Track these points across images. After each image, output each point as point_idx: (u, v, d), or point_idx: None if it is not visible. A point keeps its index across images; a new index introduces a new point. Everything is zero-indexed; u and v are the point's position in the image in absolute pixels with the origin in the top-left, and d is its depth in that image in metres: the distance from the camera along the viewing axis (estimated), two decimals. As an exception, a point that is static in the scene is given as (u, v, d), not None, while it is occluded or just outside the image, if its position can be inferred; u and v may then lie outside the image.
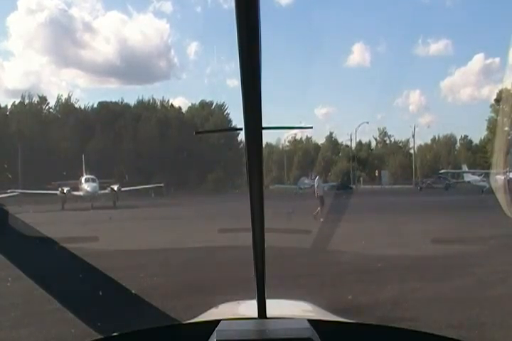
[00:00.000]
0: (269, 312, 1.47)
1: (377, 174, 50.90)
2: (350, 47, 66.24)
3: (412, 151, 53.17)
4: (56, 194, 27.90)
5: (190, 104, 51.67)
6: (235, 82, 45.89)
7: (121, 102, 48.11)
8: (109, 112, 45.46)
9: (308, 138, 57.37)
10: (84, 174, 31.70)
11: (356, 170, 49.61)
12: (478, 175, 34.64)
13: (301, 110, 55.11)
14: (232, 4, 0.64)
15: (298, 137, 57.14)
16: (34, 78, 64.79)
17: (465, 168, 41.01)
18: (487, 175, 27.72)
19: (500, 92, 35.25)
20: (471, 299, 6.23)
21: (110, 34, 61.59)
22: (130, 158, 41.74)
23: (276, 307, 1.71)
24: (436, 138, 55.25)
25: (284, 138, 55.52)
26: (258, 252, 1.24)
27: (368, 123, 50.30)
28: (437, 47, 63.95)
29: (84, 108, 47.26)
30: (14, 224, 2.41)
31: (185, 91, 61.04)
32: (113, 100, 48.21)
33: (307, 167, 51.30)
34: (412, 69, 55.70)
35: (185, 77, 59.20)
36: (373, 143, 56.19)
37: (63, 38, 52.79)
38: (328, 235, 10.46)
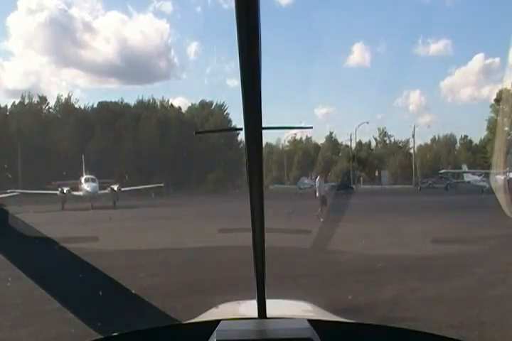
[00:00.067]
0: (269, 312, 1.47)
1: (377, 174, 50.91)
2: (350, 47, 66.37)
3: (412, 151, 53.24)
4: (56, 194, 27.91)
5: (190, 104, 51.76)
6: (235, 82, 45.96)
7: (121, 102, 48.19)
8: (109, 112, 45.47)
9: (308, 138, 57.44)
10: (84, 174, 31.71)
11: (356, 170, 49.61)
12: (478, 175, 34.64)
13: (301, 110, 55.19)
14: (232, 4, 0.64)
15: (298, 137, 57.21)
16: (34, 78, 64.99)
17: (465, 168, 41.00)
18: (487, 175, 27.73)
19: (500, 92, 35.28)
20: (471, 299, 6.23)
21: (110, 34, 61.71)
22: (130, 158, 41.75)
23: (276, 307, 1.71)
24: (436, 138, 55.33)
25: (284, 138, 55.57)
26: (258, 252, 1.24)
27: (368, 123, 50.37)
28: (437, 47, 64.07)
29: (84, 108, 47.35)
30: (14, 224, 2.40)
31: (185, 91, 61.22)
32: (113, 100, 48.31)
33: (307, 167, 51.30)
34: (412, 69, 55.82)
35: (185, 77, 59.31)
36: (373, 143, 56.29)
37: (63, 38, 52.90)
38: (330, 235, 10.47)
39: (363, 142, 54.73)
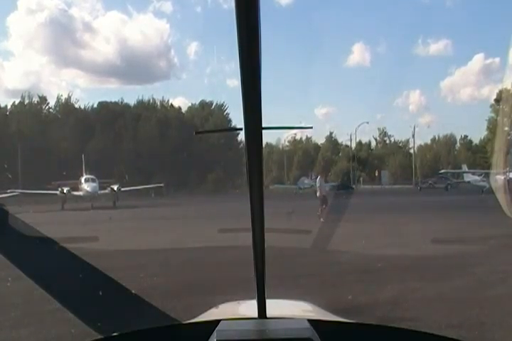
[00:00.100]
0: (269, 312, 1.47)
1: (377, 174, 50.91)
2: (350, 47, 66.31)
3: (412, 151, 53.24)
4: (56, 194, 27.91)
5: (190, 104, 51.75)
6: (235, 82, 45.94)
7: (121, 102, 48.17)
8: (109, 112, 45.46)
9: (308, 138, 57.44)
10: (84, 174, 31.70)
11: (356, 170, 49.61)
12: (478, 175, 34.64)
13: (301, 110, 55.22)
14: (232, 4, 0.64)
15: (298, 137, 57.20)
16: (34, 78, 64.94)
17: (465, 168, 41.01)
18: (487, 175, 27.73)
19: (500, 92, 35.28)
20: (471, 299, 6.23)
21: (110, 34, 61.67)
22: (130, 158, 41.75)
23: (276, 307, 1.71)
24: (436, 138, 55.33)
25: (284, 138, 55.56)
26: (258, 252, 1.24)
27: (368, 123, 50.38)
28: (437, 47, 64.06)
29: (84, 108, 47.33)
30: (14, 224, 2.40)
31: (185, 91, 61.20)
32: (113, 100, 48.29)
33: (307, 167, 51.32)
34: (412, 69, 55.79)
35: (185, 77, 59.30)
36: (373, 143, 56.29)
37: (63, 38, 52.87)
38: (331, 235, 10.48)
39: (363, 142, 54.79)
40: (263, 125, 0.85)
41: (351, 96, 62.83)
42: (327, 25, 52.67)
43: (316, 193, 17.56)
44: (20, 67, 55.67)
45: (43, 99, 45.97)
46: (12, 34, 68.10)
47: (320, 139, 56.93)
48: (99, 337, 1.51)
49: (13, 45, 55.89)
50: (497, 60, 49.22)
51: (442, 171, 43.38)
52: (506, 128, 16.24)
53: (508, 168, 16.11)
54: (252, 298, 1.49)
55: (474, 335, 4.77)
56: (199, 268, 8.33)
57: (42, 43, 59.38)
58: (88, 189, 29.22)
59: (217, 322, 1.34)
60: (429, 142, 55.53)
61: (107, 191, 29.42)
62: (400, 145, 55.11)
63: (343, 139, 55.24)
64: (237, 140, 44.02)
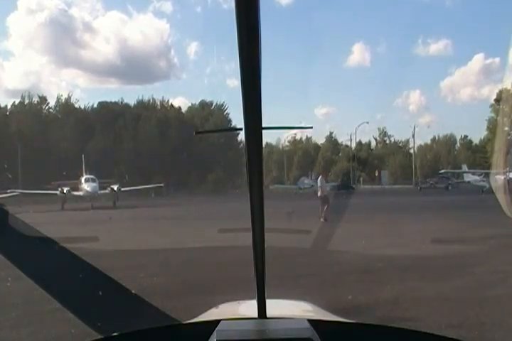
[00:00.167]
0: (269, 312, 1.47)
1: (377, 174, 50.93)
2: (350, 47, 66.49)
3: (412, 151, 53.28)
4: (56, 194, 27.92)
5: (190, 104, 51.83)
6: (235, 82, 46.01)
7: (121, 102, 48.22)
8: (109, 112, 45.48)
9: (308, 138, 57.50)
10: (84, 174, 31.71)
11: (356, 170, 49.63)
12: (478, 175, 34.65)
13: (301, 110, 55.29)
14: (232, 4, 0.64)
15: (298, 137, 57.27)
16: (34, 78, 65.15)
17: (465, 168, 41.03)
18: (487, 175, 27.74)
19: (500, 92, 35.31)
20: (471, 299, 6.23)
21: (110, 34, 61.79)
22: (130, 158, 41.77)
23: (276, 307, 1.71)
24: (436, 138, 55.40)
25: (284, 138, 55.61)
26: (258, 252, 1.24)
27: (368, 123, 50.48)
28: (437, 47, 64.33)
29: (84, 108, 47.38)
30: (14, 224, 2.40)
31: (185, 91, 61.37)
32: (113, 100, 48.36)
33: (307, 167, 51.38)
34: (412, 69, 55.95)
35: (185, 77, 59.37)
36: (373, 143, 56.35)
37: (63, 38, 53.00)
38: (331, 235, 10.48)
39: (363, 142, 54.88)
40: (263, 125, 0.85)
41: (351, 96, 63.01)
42: (327, 25, 52.85)
43: (316, 193, 17.48)
44: (20, 67, 55.82)
45: (43, 99, 46.06)
46: (12, 34, 68.35)
47: (320, 139, 57.07)
48: (99, 337, 1.51)
49: (13, 45, 56.15)
50: (497, 60, 49.36)
51: (442, 171, 43.40)
52: (506, 128, 16.25)
53: (508, 168, 16.10)
54: (252, 298, 1.49)
55: (474, 335, 4.77)
56: (199, 268, 8.32)
57: (42, 43, 59.61)
58: (88, 189, 29.22)
59: (217, 322, 1.34)
60: (429, 142, 55.69)
61: (107, 191, 29.43)
62: (400, 145, 55.19)
63: (343, 139, 55.37)
64: (237, 140, 44.09)
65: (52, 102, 46.52)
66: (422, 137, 75.37)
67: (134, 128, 44.50)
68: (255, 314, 1.47)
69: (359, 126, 50.02)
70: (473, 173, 37.19)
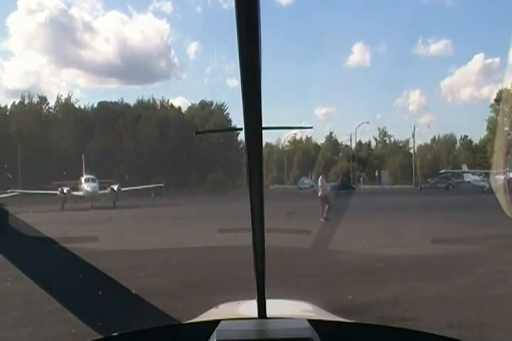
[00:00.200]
0: (269, 312, 1.47)
1: (377, 174, 50.93)
2: (350, 47, 66.52)
3: (412, 151, 53.28)
4: (56, 194, 27.92)
5: (190, 104, 51.85)
6: (235, 82, 46.03)
7: (121, 102, 48.24)
8: (109, 112, 45.48)
9: (308, 138, 57.51)
10: (84, 174, 31.72)
11: (356, 170, 49.64)
12: (478, 175, 34.66)
13: (301, 110, 55.31)
14: (232, 4, 0.64)
15: (298, 137, 57.28)
16: (34, 78, 65.18)
17: (465, 167, 41.04)
18: (487, 175, 27.75)
19: (500, 92, 35.33)
20: (471, 299, 6.23)
21: (110, 34, 61.82)
22: (130, 158, 41.77)
23: (276, 307, 1.71)
24: (436, 138, 55.40)
25: (284, 138, 55.62)
26: (258, 252, 1.24)
27: (368, 123, 50.51)
28: (437, 47, 64.36)
29: (84, 108, 47.41)
30: (14, 224, 2.40)
31: (185, 91, 61.40)
32: (113, 100, 48.37)
33: (307, 167, 51.39)
34: (412, 69, 56.00)
35: (185, 77, 59.39)
36: (373, 143, 56.35)
37: (63, 38, 53.02)
38: (331, 235, 10.48)
39: (363, 142, 54.90)
40: (263, 125, 0.85)
41: (351, 96, 63.05)
42: (327, 25, 52.87)
43: (316, 193, 17.44)
44: (20, 67, 55.84)
45: (43, 99, 46.07)
46: (12, 34, 68.38)
47: (320, 139, 57.09)
48: (99, 337, 1.51)
49: (13, 45, 56.22)
50: (497, 60, 49.37)
51: (442, 171, 43.41)
52: (506, 128, 16.25)
53: (508, 168, 16.10)
54: (252, 298, 1.48)
55: (474, 335, 4.77)
56: (199, 268, 8.33)
57: (42, 43, 59.64)
58: (88, 189, 29.22)
59: (217, 322, 1.34)
60: (429, 142, 55.69)
61: (107, 191, 29.43)
62: (400, 145, 55.20)
63: (343, 139, 55.38)
64: (237, 140, 44.09)
65: (52, 102, 46.64)
66: (422, 137, 75.51)
67: (134, 128, 44.50)
68: (255, 314, 1.47)
69: (359, 126, 50.09)
70: (473, 173, 37.20)
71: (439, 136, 55.18)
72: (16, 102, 45.17)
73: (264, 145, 0.98)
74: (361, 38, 56.94)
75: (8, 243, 2.24)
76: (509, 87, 23.49)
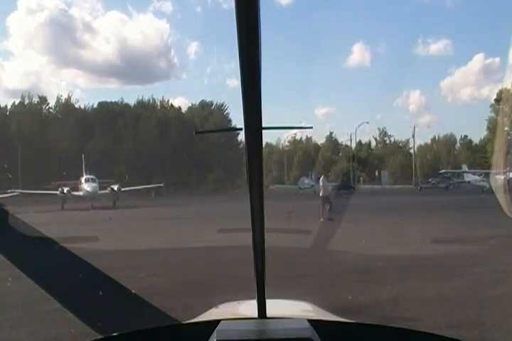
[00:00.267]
0: (269, 312, 1.47)
1: (377, 174, 50.92)
2: (350, 47, 66.46)
3: (412, 151, 53.28)
4: (56, 194, 27.91)
5: (190, 104, 51.83)
6: (235, 82, 46.01)
7: (121, 102, 48.23)
8: (109, 112, 45.49)
9: (308, 138, 57.50)
10: (84, 174, 31.70)
11: (356, 170, 49.63)
12: (478, 175, 34.66)
13: (301, 110, 55.26)
14: (232, 4, 0.64)
15: (298, 137, 57.26)
16: (34, 78, 65.11)
17: (465, 167, 41.03)
18: (487, 175, 27.75)
19: (500, 92, 35.34)
20: (471, 299, 6.23)
21: (110, 34, 61.79)
22: (130, 158, 41.77)
23: (276, 307, 1.71)
24: (436, 138, 55.39)
25: (284, 138, 55.61)
26: (258, 252, 1.24)
27: (368, 123, 50.49)
28: (437, 47, 64.27)
29: (84, 108, 47.39)
30: (14, 224, 2.40)
31: (185, 91, 61.29)
32: (113, 100, 48.35)
33: (307, 167, 51.37)
34: (412, 69, 55.96)
35: (185, 77, 59.35)
36: (373, 143, 56.34)
37: (63, 38, 53.00)
38: (331, 235, 10.48)
39: (363, 142, 54.88)
40: (263, 125, 0.85)
41: (351, 96, 63.02)
42: (327, 25, 52.86)
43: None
44: (20, 67, 55.81)
45: (43, 99, 46.06)
46: (12, 34, 68.33)
47: (320, 139, 57.06)
48: (99, 337, 1.51)
49: (13, 45, 56.15)
50: (497, 60, 49.35)
51: (442, 171, 43.40)
52: (506, 128, 16.25)
53: (508, 168, 16.10)
54: (252, 298, 1.49)
55: (474, 335, 4.77)
56: (199, 268, 8.32)
57: (42, 43, 59.61)
58: (88, 189, 29.22)
59: (217, 322, 1.34)
60: (429, 142, 55.66)
61: (107, 191, 29.43)
62: (400, 145, 55.19)
63: (343, 139, 55.36)
64: (237, 140, 44.08)
65: (52, 102, 46.61)
66: (422, 137, 75.44)
67: (134, 128, 44.50)
68: (255, 314, 1.47)
69: (359, 126, 50.07)
70: (474, 173, 37.20)
71: (439, 136, 55.24)
72: (16, 102, 45.25)
73: (264, 145, 0.98)
74: (361, 38, 56.99)
75: (8, 243, 2.24)
76: (509, 87, 23.54)
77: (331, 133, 55.55)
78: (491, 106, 42.88)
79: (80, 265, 2.26)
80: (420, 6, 45.19)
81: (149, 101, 49.26)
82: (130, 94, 70.26)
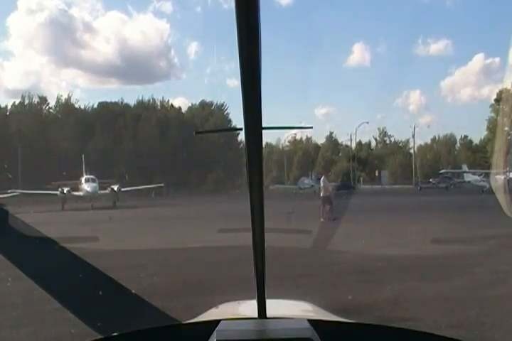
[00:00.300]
0: (269, 312, 1.47)
1: (377, 174, 50.90)
2: (350, 47, 66.28)
3: (412, 151, 53.26)
4: (56, 194, 27.90)
5: (190, 104, 51.78)
6: (235, 82, 45.96)
7: (121, 102, 48.18)
8: (109, 112, 45.47)
9: (308, 138, 57.45)
10: (84, 174, 31.69)
11: (356, 170, 49.63)
12: (478, 175, 34.66)
13: (301, 110, 55.18)
14: (232, 4, 0.64)
15: (298, 137, 57.21)
16: (34, 78, 64.99)
17: (465, 167, 41.02)
18: (487, 175, 27.75)
19: (500, 92, 35.34)
20: (471, 299, 6.23)
21: (110, 34, 61.70)
22: (130, 158, 41.76)
23: (276, 307, 1.71)
24: (436, 138, 55.35)
25: (284, 138, 55.57)
26: (258, 252, 1.24)
27: (368, 123, 50.42)
28: (437, 47, 64.10)
29: (85, 108, 47.36)
30: (14, 224, 2.40)
31: (185, 91, 61.12)
32: (113, 100, 48.29)
33: (307, 167, 51.33)
34: (412, 69, 55.86)
35: (185, 77, 59.25)
36: (373, 143, 56.31)
37: (63, 38, 52.94)
38: (331, 235, 10.48)
39: (363, 142, 54.82)
40: (263, 125, 0.85)
41: (351, 96, 62.87)
42: (327, 25, 52.79)
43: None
44: (20, 67, 55.73)
45: (43, 100, 46.03)
46: (12, 34, 68.19)
47: (320, 139, 57.00)
48: (99, 337, 1.52)
49: (13, 45, 55.99)
50: (497, 60, 49.28)
51: (442, 171, 43.39)
52: (506, 128, 16.26)
53: (508, 168, 16.10)
54: (252, 298, 1.49)
55: (474, 335, 4.77)
56: (199, 268, 8.33)
57: (42, 43, 59.51)
58: (88, 189, 29.21)
59: (217, 322, 1.34)
60: (429, 142, 55.60)
61: (107, 191, 29.41)
62: (400, 145, 55.15)
63: (343, 139, 55.29)
64: (237, 140, 44.06)
65: (52, 102, 46.57)
66: (422, 137, 75.29)
67: (134, 129, 44.49)
68: (255, 314, 1.47)
69: (359, 126, 50.01)
70: (474, 173, 37.20)
71: (439, 136, 55.18)
72: (16, 102, 45.21)
73: (264, 145, 0.98)
74: (361, 38, 56.89)
75: (8, 243, 2.24)
76: (509, 87, 23.54)
77: (331, 133, 55.58)
78: (491, 106, 42.92)
79: (80, 265, 2.26)
80: (420, 6, 45.16)
81: (149, 101, 49.30)
82: (130, 94, 70.18)
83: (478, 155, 45.62)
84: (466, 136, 53.54)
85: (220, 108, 50.38)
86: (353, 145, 52.27)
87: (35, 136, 40.96)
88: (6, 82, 58.83)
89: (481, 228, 12.34)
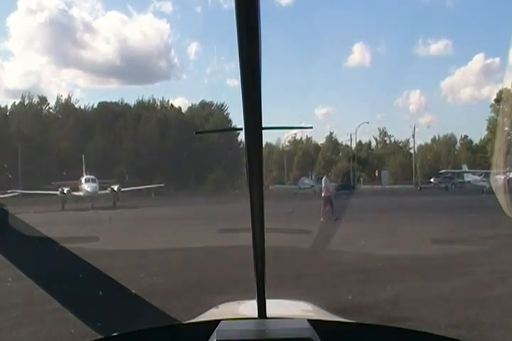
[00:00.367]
0: (269, 312, 1.47)
1: (377, 174, 50.89)
2: (350, 47, 66.05)
3: (412, 151, 53.24)
4: (56, 194, 27.88)
5: (190, 104, 51.72)
6: (235, 82, 45.89)
7: (121, 102, 48.10)
8: (109, 112, 45.45)
9: (308, 138, 57.38)
10: (84, 174, 31.68)
11: (356, 170, 49.63)
12: (479, 175, 34.67)
13: (301, 110, 55.10)
14: (232, 4, 0.64)
15: (298, 137, 57.14)
16: (34, 78, 64.81)
17: (465, 167, 41.02)
18: (487, 175, 27.74)
19: (500, 92, 35.33)
20: (471, 299, 6.23)
21: (110, 34, 61.64)
22: (130, 158, 41.74)
23: (276, 307, 1.71)
24: (436, 138, 55.30)
25: (284, 138, 55.51)
26: (258, 252, 1.24)
27: (368, 123, 50.31)
28: (437, 47, 63.91)
29: (85, 108, 47.30)
30: (14, 224, 2.40)
31: (186, 91, 61.08)
32: (113, 100, 48.23)
33: (307, 167, 51.32)
34: (412, 69, 55.68)
35: (185, 77, 59.20)
36: (373, 143, 56.28)
37: (63, 38, 52.77)
38: (331, 235, 10.47)
39: (363, 142, 54.75)
40: (263, 125, 0.85)
41: (351, 96, 62.83)
42: (327, 25, 52.69)
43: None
44: (20, 67, 55.60)
45: (43, 100, 45.97)
46: (12, 34, 67.90)
47: (320, 139, 56.94)
48: (99, 337, 1.51)
49: (13, 45, 55.83)
50: (497, 60, 49.19)
51: (442, 171, 43.37)
52: (506, 128, 16.25)
53: (508, 168, 16.09)
54: (252, 298, 1.49)
55: (474, 335, 4.77)
56: (199, 268, 8.32)
57: (42, 43, 59.36)
58: (88, 189, 29.19)
59: (217, 322, 1.34)
60: (429, 142, 55.56)
61: (107, 191, 29.39)
62: (400, 145, 55.10)
63: (343, 139, 55.22)
64: (237, 140, 44.03)
65: (52, 102, 46.50)
66: (422, 137, 75.10)
67: (134, 129, 44.47)
68: (255, 314, 1.47)
69: (359, 126, 49.94)
70: (474, 173, 37.21)
71: (439, 136, 55.12)
72: (16, 102, 45.16)
73: (264, 145, 0.98)
74: (361, 38, 56.79)
75: (8, 243, 2.24)
76: (509, 87, 23.55)
77: (331, 133, 55.52)
78: (491, 106, 42.87)
79: (80, 265, 2.27)
80: (420, 6, 45.10)
81: (149, 101, 49.24)
82: (130, 94, 70.02)
83: (478, 155, 45.60)
84: (466, 136, 53.55)
85: (220, 108, 50.39)
86: (353, 146, 52.28)
87: (35, 136, 40.94)
88: (6, 82, 58.81)
89: (481, 228, 12.34)
